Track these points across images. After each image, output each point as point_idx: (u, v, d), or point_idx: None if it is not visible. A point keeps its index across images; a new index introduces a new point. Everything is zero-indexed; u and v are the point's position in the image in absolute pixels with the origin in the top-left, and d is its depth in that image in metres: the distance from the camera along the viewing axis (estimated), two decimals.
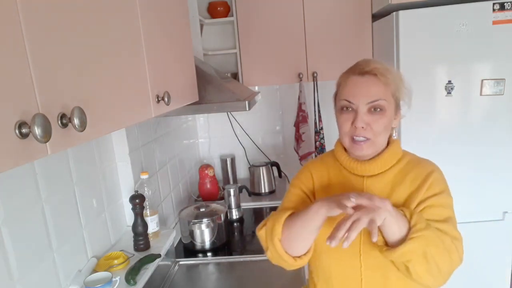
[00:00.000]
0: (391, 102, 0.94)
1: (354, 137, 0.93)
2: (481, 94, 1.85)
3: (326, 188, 1.04)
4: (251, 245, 1.74)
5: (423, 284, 0.89)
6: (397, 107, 0.98)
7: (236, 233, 1.91)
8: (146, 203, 1.42)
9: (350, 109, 0.93)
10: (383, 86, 0.92)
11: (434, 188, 0.94)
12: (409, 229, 0.84)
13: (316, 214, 0.89)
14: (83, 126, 0.54)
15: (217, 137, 2.62)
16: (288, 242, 0.94)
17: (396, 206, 0.91)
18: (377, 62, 0.94)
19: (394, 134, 1.03)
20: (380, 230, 0.85)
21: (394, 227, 0.83)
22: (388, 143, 1.00)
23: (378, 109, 0.92)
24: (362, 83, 0.92)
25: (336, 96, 1.01)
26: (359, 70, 0.94)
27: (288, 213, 0.97)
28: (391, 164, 0.98)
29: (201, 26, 2.31)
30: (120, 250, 1.32)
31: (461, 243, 0.91)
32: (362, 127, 0.92)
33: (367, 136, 0.92)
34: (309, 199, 1.05)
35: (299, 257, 0.96)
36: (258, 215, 2.12)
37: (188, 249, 1.70)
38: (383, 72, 0.92)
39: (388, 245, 0.87)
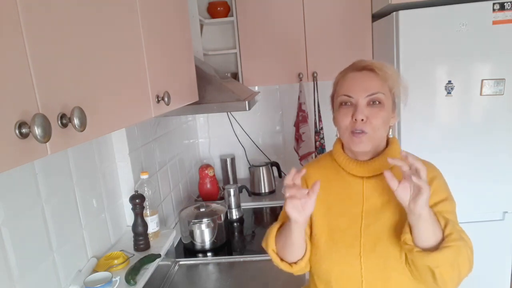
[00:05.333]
0: (389, 96, 0.95)
1: (354, 130, 0.93)
2: (481, 94, 1.85)
3: (323, 190, 1.00)
4: (251, 245, 1.74)
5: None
6: (394, 104, 0.98)
7: (236, 233, 1.90)
8: (146, 203, 1.42)
9: (349, 103, 0.94)
10: (381, 81, 0.94)
11: (439, 194, 0.93)
12: (443, 237, 0.83)
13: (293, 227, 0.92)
14: (83, 126, 0.54)
15: (217, 137, 2.62)
16: (282, 251, 0.99)
17: (400, 209, 0.92)
18: (374, 60, 0.97)
19: (390, 134, 1.03)
20: (410, 229, 0.85)
21: (424, 230, 0.82)
22: (387, 143, 1.00)
23: (377, 102, 0.93)
24: (360, 77, 0.95)
25: (333, 95, 1.02)
26: (356, 66, 0.97)
27: (278, 226, 1.02)
28: (391, 165, 0.97)
29: (201, 26, 2.31)
30: (120, 250, 1.32)
31: (473, 251, 0.90)
32: (362, 120, 0.92)
33: (366, 130, 0.92)
34: None
35: (295, 262, 0.99)
36: (258, 215, 2.12)
37: (188, 249, 1.70)
38: (380, 67, 0.94)
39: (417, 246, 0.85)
